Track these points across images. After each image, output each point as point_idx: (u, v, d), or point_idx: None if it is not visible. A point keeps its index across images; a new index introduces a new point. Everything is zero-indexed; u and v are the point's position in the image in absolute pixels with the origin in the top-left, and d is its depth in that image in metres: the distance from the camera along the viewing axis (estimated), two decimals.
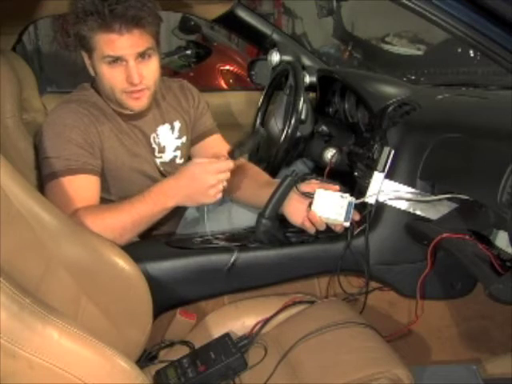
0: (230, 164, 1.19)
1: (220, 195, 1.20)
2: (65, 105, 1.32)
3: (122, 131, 1.35)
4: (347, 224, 1.22)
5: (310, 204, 1.22)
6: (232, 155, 1.19)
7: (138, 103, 1.29)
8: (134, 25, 1.19)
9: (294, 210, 1.24)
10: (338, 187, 1.24)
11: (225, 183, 1.19)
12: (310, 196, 1.23)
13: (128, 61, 1.22)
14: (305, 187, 1.25)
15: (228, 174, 1.19)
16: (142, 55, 1.24)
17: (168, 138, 1.43)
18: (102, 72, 1.25)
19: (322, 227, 1.23)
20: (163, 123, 1.42)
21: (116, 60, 1.22)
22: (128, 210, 1.19)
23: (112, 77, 1.25)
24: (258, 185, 1.37)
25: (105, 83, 1.27)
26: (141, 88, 1.26)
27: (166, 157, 1.43)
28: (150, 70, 1.27)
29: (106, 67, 1.24)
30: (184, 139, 1.47)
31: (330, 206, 1.21)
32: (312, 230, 1.24)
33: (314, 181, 1.27)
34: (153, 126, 1.40)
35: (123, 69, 1.23)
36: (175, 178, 1.21)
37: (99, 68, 1.25)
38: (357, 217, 1.24)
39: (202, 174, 1.17)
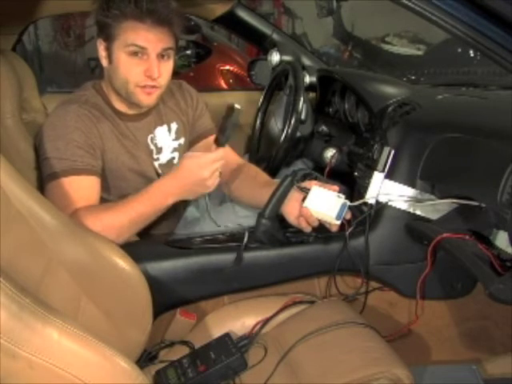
0: (221, 153, 1.19)
1: (217, 181, 1.22)
2: (66, 106, 1.32)
3: (121, 132, 1.35)
4: (338, 222, 1.21)
5: (304, 199, 1.22)
6: (219, 143, 1.19)
7: (148, 99, 1.30)
8: (165, 23, 1.22)
9: (292, 210, 1.25)
10: (336, 187, 1.24)
11: (220, 169, 1.20)
12: (305, 191, 1.23)
13: (150, 55, 1.23)
14: (303, 184, 1.26)
15: (221, 162, 1.20)
16: (163, 55, 1.25)
17: (165, 140, 1.43)
18: (120, 61, 1.25)
19: (314, 223, 1.23)
20: (161, 124, 1.42)
21: (137, 53, 1.23)
22: (126, 209, 1.19)
23: (129, 68, 1.25)
24: (258, 185, 1.37)
25: (119, 73, 1.27)
26: (155, 84, 1.27)
27: (164, 158, 1.43)
28: (166, 70, 1.28)
29: (126, 57, 1.24)
30: (182, 141, 1.47)
31: (323, 202, 1.21)
32: (307, 229, 1.24)
33: (314, 181, 1.27)
34: (151, 127, 1.40)
35: (142, 62, 1.24)
36: (171, 177, 1.22)
37: (118, 57, 1.25)
38: (348, 215, 1.24)
39: (196, 169, 1.18)
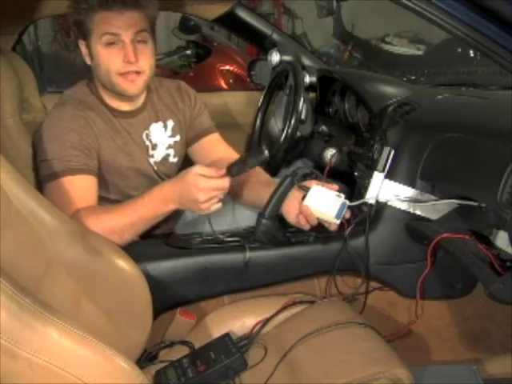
0: (226, 183, 1.15)
1: (215, 207, 1.17)
2: (61, 107, 1.34)
3: (116, 130, 1.36)
4: (338, 221, 1.21)
5: (304, 197, 1.22)
6: (230, 171, 1.16)
7: (132, 86, 1.30)
8: (133, 6, 1.24)
9: (292, 210, 1.24)
10: (336, 187, 1.24)
11: (220, 197, 1.17)
12: (306, 189, 1.23)
13: (124, 41, 1.25)
14: (303, 183, 1.25)
15: (223, 191, 1.16)
16: (139, 40, 1.26)
17: (160, 136, 1.44)
18: (99, 54, 1.27)
19: (314, 222, 1.22)
20: (156, 121, 1.43)
21: (112, 43, 1.25)
22: (128, 212, 1.19)
23: (108, 58, 1.26)
24: (259, 184, 1.37)
25: (101, 66, 1.28)
26: (136, 69, 1.27)
27: (158, 155, 1.44)
28: (146, 54, 1.29)
29: (103, 49, 1.26)
30: (177, 138, 1.47)
31: (323, 201, 1.20)
32: (306, 227, 1.24)
33: (314, 181, 1.27)
34: (146, 123, 1.41)
35: (119, 50, 1.26)
36: (171, 183, 1.21)
37: (96, 51, 1.27)
38: (348, 215, 1.24)
39: (194, 189, 1.14)
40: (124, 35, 1.24)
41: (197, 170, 1.15)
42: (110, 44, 1.25)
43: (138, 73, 1.28)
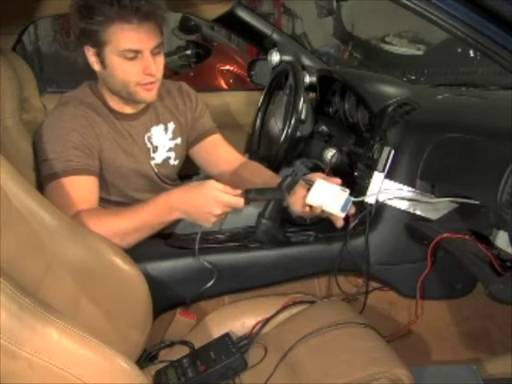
0: (241, 204, 1.16)
1: (218, 223, 1.20)
2: (62, 107, 1.33)
3: (118, 132, 1.36)
4: (343, 215, 1.20)
5: (309, 189, 1.22)
6: (246, 195, 1.17)
7: (150, 95, 1.31)
8: (151, 18, 1.22)
9: (296, 199, 1.24)
10: (339, 180, 1.24)
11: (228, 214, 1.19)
12: (310, 184, 1.22)
13: (144, 53, 1.24)
14: (308, 176, 1.26)
15: (232, 210, 1.18)
16: (154, 50, 1.26)
17: (161, 139, 1.44)
18: (116, 66, 1.26)
19: (318, 211, 1.22)
20: (157, 124, 1.43)
21: (133, 57, 1.24)
22: (131, 216, 1.19)
23: (127, 70, 1.26)
24: (262, 180, 1.37)
25: (117, 76, 1.27)
26: (153, 80, 1.28)
27: (159, 157, 1.44)
28: (160, 63, 1.30)
29: (122, 61, 1.25)
30: (178, 141, 1.47)
31: (328, 194, 1.20)
32: (312, 215, 1.23)
33: (318, 173, 1.26)
34: (147, 126, 1.41)
35: (138, 61, 1.25)
36: (181, 191, 1.21)
37: (112, 62, 1.25)
38: (353, 210, 1.24)
39: (212, 200, 1.15)
40: (145, 49, 1.24)
41: (215, 184, 1.16)
42: (130, 58, 1.24)
43: (153, 82, 1.29)
